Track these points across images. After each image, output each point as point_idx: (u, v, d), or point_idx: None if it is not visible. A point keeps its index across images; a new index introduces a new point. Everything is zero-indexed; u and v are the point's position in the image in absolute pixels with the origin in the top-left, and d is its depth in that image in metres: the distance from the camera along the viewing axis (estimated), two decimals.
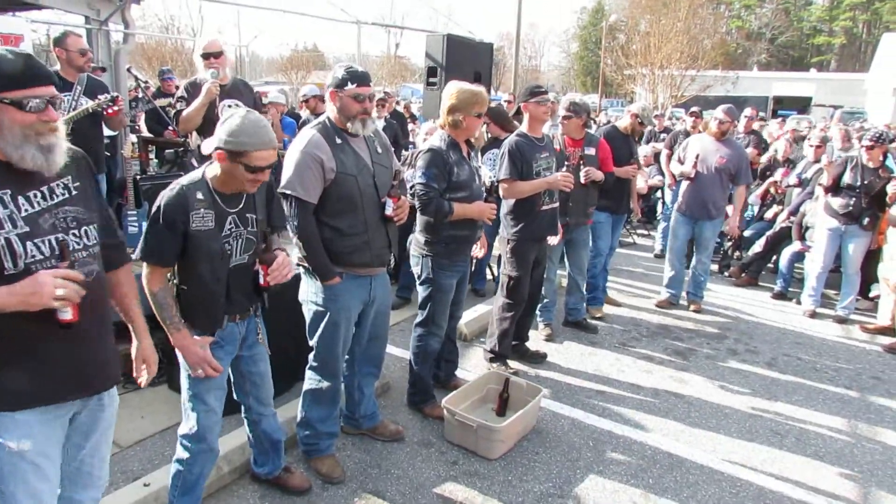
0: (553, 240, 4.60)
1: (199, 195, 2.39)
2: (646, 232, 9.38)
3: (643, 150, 8.54)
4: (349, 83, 2.90)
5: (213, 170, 2.45)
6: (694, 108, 8.53)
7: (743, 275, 7.07)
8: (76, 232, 1.87)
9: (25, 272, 1.72)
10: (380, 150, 3.13)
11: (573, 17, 58.65)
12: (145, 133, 7.42)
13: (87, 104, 4.34)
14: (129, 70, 5.46)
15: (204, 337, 2.50)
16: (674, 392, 4.38)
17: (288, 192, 2.88)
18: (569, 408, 4.08)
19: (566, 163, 4.79)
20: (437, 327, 3.78)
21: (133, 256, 2.36)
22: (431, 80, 5.88)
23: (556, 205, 4.38)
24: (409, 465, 3.40)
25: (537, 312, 5.15)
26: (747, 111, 8.49)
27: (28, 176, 1.77)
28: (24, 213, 1.75)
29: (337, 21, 9.02)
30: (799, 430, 3.94)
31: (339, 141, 2.95)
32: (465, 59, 5.97)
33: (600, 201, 5.29)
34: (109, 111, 4.36)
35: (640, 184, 7.72)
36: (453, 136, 3.57)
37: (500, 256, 4.71)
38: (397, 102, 12.26)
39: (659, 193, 9.13)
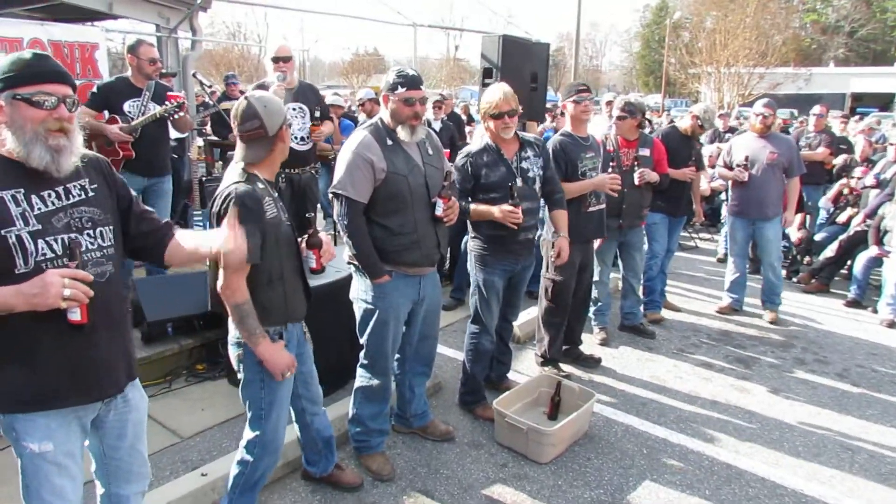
0: (596, 242, 4.53)
1: (260, 185, 2.45)
2: (708, 235, 9.09)
3: (707, 151, 8.28)
4: (400, 87, 2.93)
5: (263, 162, 2.49)
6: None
7: (813, 280, 6.76)
8: (91, 232, 1.87)
9: (36, 270, 1.72)
10: (431, 152, 3.15)
11: (635, 16, 57.49)
12: (212, 136, 7.69)
13: (154, 110, 4.53)
14: (194, 75, 5.66)
15: (278, 342, 2.52)
16: (734, 401, 4.22)
17: (339, 191, 2.93)
18: (623, 414, 3.99)
19: (617, 164, 4.70)
20: (483, 325, 3.77)
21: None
22: (487, 80, 5.83)
23: (603, 206, 4.31)
24: (458, 465, 3.40)
25: (591, 316, 5.07)
26: (816, 108, 8.11)
27: (43, 176, 1.78)
28: (36, 212, 1.76)
29: (395, 24, 9.08)
30: (872, 448, 3.73)
31: (389, 142, 2.98)
32: (521, 59, 5.90)
33: (656, 202, 5.18)
34: (175, 116, 4.54)
35: (703, 185, 7.48)
36: (492, 137, 3.57)
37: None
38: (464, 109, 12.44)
39: (723, 195, 8.82)
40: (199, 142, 6.24)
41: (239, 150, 2.49)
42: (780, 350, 5.11)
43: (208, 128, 7.87)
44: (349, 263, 3.15)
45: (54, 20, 6.26)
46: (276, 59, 4.41)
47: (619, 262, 5.18)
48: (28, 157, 1.74)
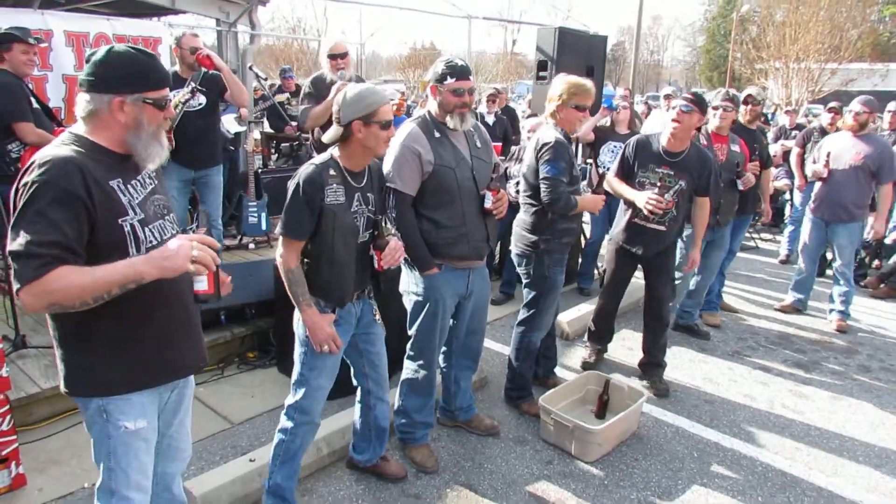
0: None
1: (332, 171, 2.52)
2: (770, 236, 8.77)
3: (772, 149, 7.97)
4: (449, 77, 2.92)
5: (341, 149, 2.57)
6: (833, 104, 7.76)
7: (882, 285, 6.45)
8: (169, 218, 1.96)
9: None
10: (479, 144, 3.14)
11: (700, 9, 55.58)
12: (268, 129, 7.86)
13: (210, 104, 4.58)
14: (250, 68, 5.78)
15: (328, 314, 2.61)
16: (792, 407, 4.06)
17: (387, 184, 2.95)
18: (673, 415, 3.89)
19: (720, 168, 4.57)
20: (544, 325, 3.75)
21: (276, 232, 2.53)
22: (541, 73, 5.78)
23: (660, 228, 3.95)
24: (502, 460, 3.38)
25: None
26: (892, 105, 7.68)
27: (128, 165, 1.85)
28: (137, 200, 1.83)
29: (450, 17, 9.07)
30: None
31: (437, 134, 2.98)
32: (577, 52, 5.82)
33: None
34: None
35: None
36: (569, 130, 3.54)
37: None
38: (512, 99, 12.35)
39: (787, 195, 8.49)
40: (256, 134, 6.38)
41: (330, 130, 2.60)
42: (844, 356, 4.89)
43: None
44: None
45: (119, 15, 6.48)
46: (332, 56, 4.37)
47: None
48: (146, 155, 1.82)
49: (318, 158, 2.60)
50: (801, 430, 3.78)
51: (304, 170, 2.54)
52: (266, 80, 5.30)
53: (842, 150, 5.21)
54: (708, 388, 4.28)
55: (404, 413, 3.34)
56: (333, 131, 2.55)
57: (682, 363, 4.64)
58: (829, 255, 6.09)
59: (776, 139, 9.07)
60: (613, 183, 4.07)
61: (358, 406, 3.05)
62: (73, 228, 1.65)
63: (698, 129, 4.52)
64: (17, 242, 1.61)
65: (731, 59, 32.74)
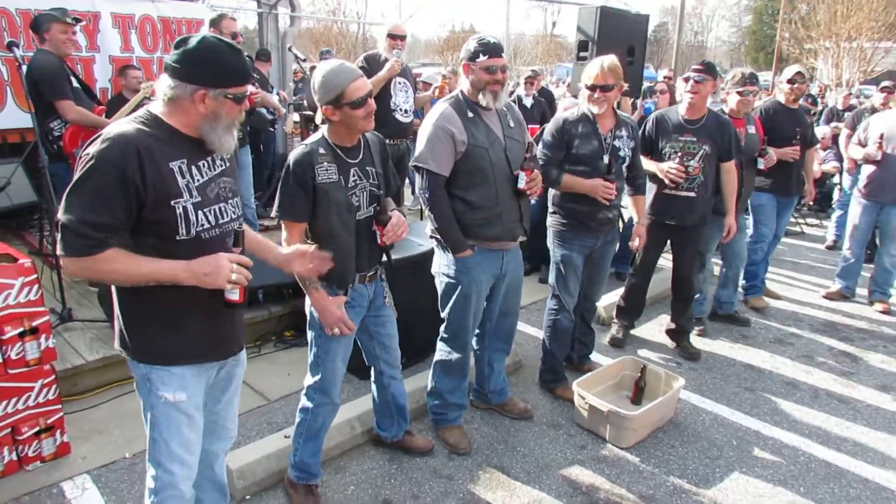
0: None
1: (322, 150, 2.50)
2: (816, 221, 8.50)
3: (820, 131, 7.70)
4: (481, 55, 2.88)
5: (328, 128, 2.55)
6: (886, 83, 7.45)
7: None
8: (233, 202, 1.99)
9: (195, 239, 1.83)
10: (512, 124, 3.09)
11: None
12: (307, 111, 7.90)
13: None
14: (289, 49, 5.81)
15: (338, 297, 2.60)
16: (837, 395, 3.94)
17: (420, 164, 2.92)
18: (711, 402, 3.81)
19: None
20: (564, 305, 3.70)
21: (272, 215, 2.56)
22: (582, 54, 5.66)
23: (690, 194, 4.03)
24: (535, 444, 3.36)
25: None
26: None
27: (197, 147, 1.87)
28: (196, 183, 1.85)
29: None
30: None
31: (470, 114, 2.94)
32: (618, 32, 5.68)
33: (763, 182, 4.86)
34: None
35: (814, 168, 6.96)
36: (590, 109, 3.46)
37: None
38: (557, 83, 12.24)
39: (835, 179, 8.20)
40: (295, 117, 6.43)
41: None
42: (893, 345, 4.72)
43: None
44: (431, 237, 3.15)
45: None
46: (393, 36, 4.57)
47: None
48: (219, 145, 1.86)
49: (310, 138, 2.59)
50: (847, 420, 3.66)
51: (294, 151, 2.55)
52: (305, 60, 5.33)
53: (894, 130, 5.00)
54: (749, 375, 4.18)
55: (437, 394, 3.34)
56: (318, 113, 2.54)
57: (721, 349, 4.54)
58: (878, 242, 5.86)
59: (828, 121, 8.77)
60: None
61: (373, 386, 3.07)
62: (123, 210, 1.70)
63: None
64: (68, 216, 1.67)
65: (779, 38, 31.66)
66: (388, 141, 4.68)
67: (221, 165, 1.96)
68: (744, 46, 52.77)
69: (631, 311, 4.60)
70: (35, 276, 2.85)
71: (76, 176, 1.69)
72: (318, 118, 2.55)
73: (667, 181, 3.98)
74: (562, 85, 13.98)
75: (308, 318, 2.70)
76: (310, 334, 2.73)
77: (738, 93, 4.38)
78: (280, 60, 7.48)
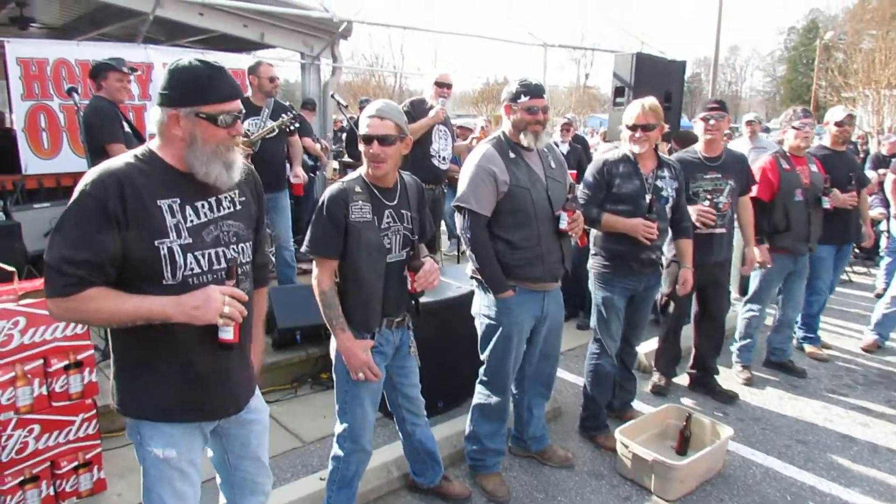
0: (744, 268, 4.29)
1: (358, 188, 2.50)
2: (864, 269, 8.24)
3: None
4: (523, 95, 2.91)
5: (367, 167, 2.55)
6: None
7: None
8: (235, 247, 1.85)
9: (182, 284, 1.70)
10: (553, 165, 3.09)
11: (779, 38, 53.82)
12: (347, 158, 8.06)
13: (271, 124, 4.78)
14: (332, 96, 5.97)
15: (366, 341, 2.56)
16: None
17: (462, 204, 2.92)
18: (762, 455, 3.64)
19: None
20: (605, 350, 3.62)
21: (302, 249, 2.55)
22: (618, 100, 5.69)
23: (721, 231, 4.00)
24: (576, 494, 3.24)
25: (734, 351, 4.76)
26: None
27: (198, 185, 1.76)
28: (188, 224, 1.73)
29: (525, 45, 9.12)
30: None
31: (512, 155, 2.95)
32: (654, 78, 5.70)
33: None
34: (291, 128, 4.78)
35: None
36: (631, 150, 3.45)
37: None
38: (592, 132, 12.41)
39: (882, 226, 7.98)
40: (335, 164, 6.57)
41: None
42: None
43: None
44: (472, 277, 3.13)
45: (214, 49, 6.86)
46: (440, 84, 4.69)
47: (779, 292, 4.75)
48: (206, 173, 1.72)
49: (348, 176, 2.60)
50: None
51: (331, 187, 2.53)
52: (346, 107, 5.48)
53: None
54: (800, 427, 3.99)
55: (475, 439, 3.26)
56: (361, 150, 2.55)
57: (770, 400, 4.37)
58: None
59: (874, 167, 8.59)
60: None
61: (399, 433, 3.01)
62: (106, 247, 1.62)
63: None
64: (49, 254, 1.62)
65: (815, 87, 31.49)
66: (425, 186, 4.79)
67: (229, 208, 1.84)
68: (779, 96, 52.60)
69: (670, 361, 4.45)
70: None
71: (62, 214, 1.64)
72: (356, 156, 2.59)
73: (699, 224, 3.89)
74: (595, 135, 14.07)
75: (333, 361, 2.65)
76: (335, 380, 2.68)
77: (794, 128, 4.35)
78: (322, 110, 7.69)
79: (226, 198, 1.84)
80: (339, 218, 2.45)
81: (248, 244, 1.91)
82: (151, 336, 1.73)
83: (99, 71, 4.26)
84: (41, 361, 2.82)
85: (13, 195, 5.92)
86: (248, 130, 4.83)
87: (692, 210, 3.87)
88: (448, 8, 60.34)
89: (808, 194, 4.36)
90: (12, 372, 2.73)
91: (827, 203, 4.48)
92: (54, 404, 2.86)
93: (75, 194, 1.65)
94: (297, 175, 5.15)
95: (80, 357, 2.90)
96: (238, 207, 1.88)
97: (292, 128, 4.87)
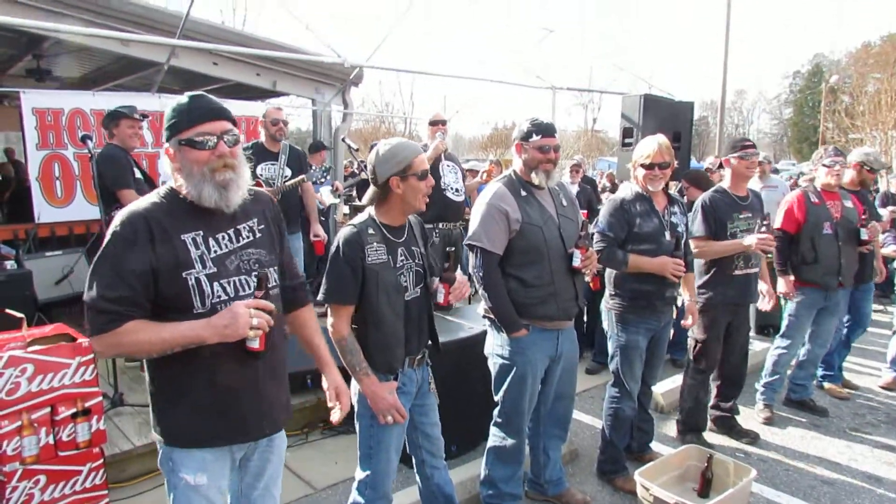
0: (763, 304, 4.15)
1: (371, 230, 2.47)
2: (881, 307, 8.12)
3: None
4: (535, 134, 2.92)
5: (379, 206, 2.52)
6: None
7: None
8: (259, 274, 1.89)
9: (211, 312, 1.77)
10: (565, 203, 3.09)
11: (785, 82, 54.41)
12: (357, 202, 8.13)
13: (296, 177, 4.81)
14: (343, 140, 6.05)
15: (390, 382, 2.51)
16: None
17: (474, 242, 2.91)
18: (787, 496, 3.52)
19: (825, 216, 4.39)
20: (626, 392, 3.53)
21: (318, 298, 2.47)
22: (627, 140, 5.73)
23: (754, 270, 3.94)
24: None
25: (759, 388, 4.66)
26: None
27: (217, 218, 1.84)
28: (212, 255, 1.81)
29: (533, 88, 9.24)
30: None
31: (524, 193, 2.95)
32: (663, 119, 5.74)
33: None
34: (322, 181, 4.85)
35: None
36: (642, 188, 3.42)
37: None
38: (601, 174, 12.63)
39: None
40: (345, 209, 6.61)
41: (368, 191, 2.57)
42: None
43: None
44: (485, 317, 3.10)
45: (228, 97, 7.00)
46: (434, 123, 4.85)
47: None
48: (199, 198, 1.78)
49: (357, 219, 2.55)
50: None
51: (343, 231, 2.48)
52: (357, 150, 5.55)
53: None
54: (824, 467, 3.87)
55: (491, 483, 3.17)
56: (371, 192, 2.51)
57: (791, 439, 4.24)
58: None
59: (882, 205, 8.56)
60: (707, 247, 3.85)
61: (417, 476, 2.89)
62: (140, 281, 1.72)
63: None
64: (89, 294, 1.73)
65: (823, 129, 31.68)
66: (440, 224, 4.80)
67: (248, 237, 1.91)
68: (786, 138, 52.94)
69: (700, 417, 4.14)
70: (91, 355, 2.88)
71: (96, 257, 1.74)
72: (368, 198, 2.54)
73: (760, 251, 3.80)
74: (602, 178, 14.20)
75: (356, 408, 2.57)
76: (358, 426, 2.61)
77: (825, 165, 4.37)
78: (333, 155, 7.79)
79: (245, 227, 1.91)
80: (357, 262, 2.41)
81: (271, 270, 1.96)
82: (179, 358, 1.78)
83: (111, 119, 4.35)
84: (48, 409, 2.79)
85: (25, 243, 5.99)
86: (269, 178, 4.88)
87: (751, 239, 3.77)
88: (457, 54, 61.75)
89: (840, 228, 4.33)
90: (18, 421, 2.70)
91: (865, 234, 4.42)
92: (61, 454, 2.82)
93: (107, 236, 1.76)
94: (318, 234, 5.19)
95: (88, 404, 2.87)
96: (258, 235, 1.94)
97: (322, 181, 4.96)
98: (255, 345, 1.78)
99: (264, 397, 1.94)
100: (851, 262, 4.46)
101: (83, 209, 5.98)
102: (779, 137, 55.04)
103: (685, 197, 5.39)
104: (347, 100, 7.80)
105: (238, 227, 1.89)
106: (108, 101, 5.98)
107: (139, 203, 1.81)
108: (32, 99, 5.82)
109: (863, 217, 4.44)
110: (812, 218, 4.32)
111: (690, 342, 4.04)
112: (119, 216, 1.77)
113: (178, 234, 1.78)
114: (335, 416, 2.26)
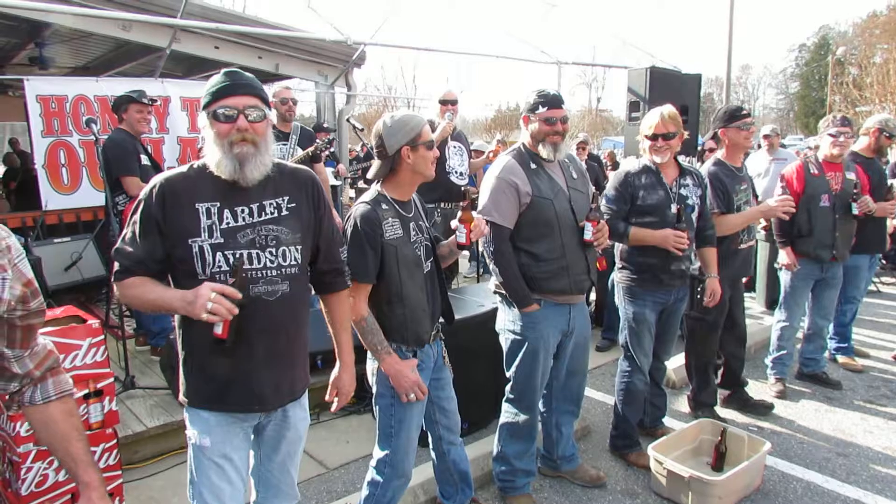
0: None
1: (384, 206, 2.44)
2: (892, 279, 8.06)
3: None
4: (541, 106, 2.87)
5: (389, 181, 2.49)
6: None
7: None
8: (272, 250, 1.89)
9: (210, 280, 1.81)
10: (575, 176, 3.05)
11: (790, 56, 53.63)
12: (363, 185, 8.10)
13: (302, 151, 4.77)
14: (348, 120, 6.02)
15: (410, 360, 2.49)
16: None
17: (484, 217, 2.86)
18: (801, 469, 3.50)
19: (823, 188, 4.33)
20: (638, 366, 3.51)
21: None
22: (633, 114, 5.66)
23: (753, 243, 3.97)
24: None
25: (767, 364, 4.63)
26: None
27: (240, 192, 1.86)
28: (223, 226, 1.84)
29: (538, 63, 9.12)
30: None
31: (533, 166, 2.91)
32: (669, 92, 5.65)
33: (858, 240, 4.55)
34: (326, 153, 4.80)
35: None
36: (650, 159, 3.38)
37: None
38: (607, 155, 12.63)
39: None
40: (351, 193, 6.58)
41: (372, 166, 2.53)
42: None
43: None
44: (496, 292, 3.07)
45: None
46: (444, 102, 4.79)
47: (809, 301, 4.60)
48: (217, 168, 1.83)
49: (367, 196, 2.50)
50: None
51: (358, 209, 2.43)
52: (363, 130, 5.50)
53: None
54: (839, 440, 3.85)
55: (504, 460, 3.17)
56: (379, 165, 2.47)
57: (805, 413, 4.22)
58: None
59: (893, 175, 8.46)
60: (724, 222, 3.78)
61: (432, 453, 2.88)
62: (147, 244, 1.85)
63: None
64: (115, 246, 1.93)
65: (830, 101, 31.34)
66: (441, 203, 4.77)
67: (273, 213, 1.91)
68: (793, 112, 52.37)
69: (712, 394, 4.12)
70: (102, 336, 2.88)
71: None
72: (376, 172, 2.48)
73: (784, 215, 3.88)
74: (603, 159, 14.19)
75: (375, 388, 2.56)
76: (377, 407, 2.59)
77: (830, 135, 4.26)
78: (337, 137, 7.74)
79: (271, 204, 1.91)
80: (376, 239, 2.37)
81: (292, 248, 1.93)
82: (185, 328, 1.93)
83: (120, 103, 4.32)
84: None
85: (34, 231, 6.00)
86: (280, 158, 4.83)
87: (773, 201, 3.81)
88: (460, 31, 61.20)
89: (837, 200, 4.26)
90: None
91: (855, 209, 4.35)
92: None
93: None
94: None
95: (100, 385, 2.86)
96: (284, 213, 1.93)
97: (328, 152, 4.90)
98: (218, 330, 1.76)
99: (260, 374, 1.93)
100: (847, 236, 4.38)
101: (90, 196, 5.97)
102: (785, 112, 54.44)
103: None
104: (351, 82, 7.73)
105: (264, 202, 1.90)
106: (111, 87, 5.94)
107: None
108: (36, 86, 5.78)
109: (855, 191, 4.32)
110: (810, 189, 4.24)
111: (692, 323, 3.98)
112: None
113: (193, 203, 1.84)
114: (333, 407, 2.34)
